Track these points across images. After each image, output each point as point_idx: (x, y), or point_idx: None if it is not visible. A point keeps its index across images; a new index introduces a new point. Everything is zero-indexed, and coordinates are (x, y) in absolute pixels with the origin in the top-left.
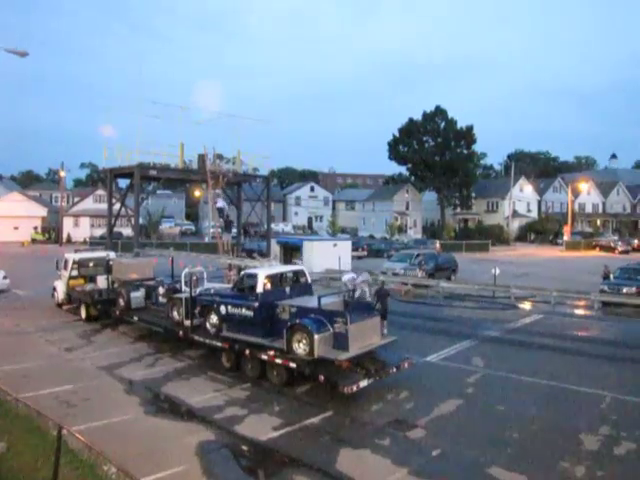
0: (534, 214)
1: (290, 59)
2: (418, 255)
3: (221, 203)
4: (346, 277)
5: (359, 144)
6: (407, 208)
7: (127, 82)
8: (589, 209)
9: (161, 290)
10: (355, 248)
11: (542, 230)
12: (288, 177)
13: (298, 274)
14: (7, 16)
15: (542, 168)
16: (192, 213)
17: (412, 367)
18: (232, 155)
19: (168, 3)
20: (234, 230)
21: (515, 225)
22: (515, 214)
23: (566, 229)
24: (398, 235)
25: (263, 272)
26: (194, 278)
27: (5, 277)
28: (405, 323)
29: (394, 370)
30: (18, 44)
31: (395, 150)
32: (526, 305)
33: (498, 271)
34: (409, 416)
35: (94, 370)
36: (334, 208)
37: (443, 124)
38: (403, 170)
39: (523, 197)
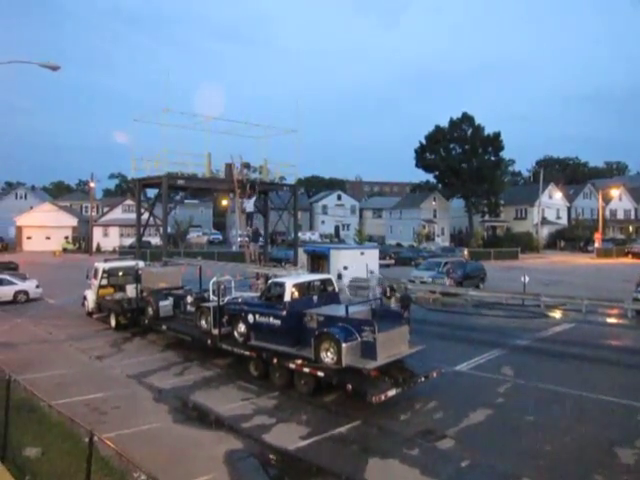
0: (564, 221)
1: (312, 69)
2: (446, 263)
3: (250, 206)
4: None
5: (385, 152)
6: (434, 216)
7: (155, 94)
8: (621, 215)
9: (189, 299)
10: (382, 256)
11: (572, 237)
12: (315, 186)
13: (325, 283)
14: (38, 30)
15: (571, 174)
16: (219, 222)
17: (441, 376)
18: (258, 164)
19: (195, 14)
20: (261, 239)
21: (544, 232)
22: (544, 221)
23: (597, 236)
24: (426, 243)
25: (290, 281)
26: (222, 287)
27: (38, 286)
28: (433, 332)
29: (422, 379)
30: (48, 58)
31: (422, 157)
32: (556, 313)
33: (527, 279)
34: (438, 426)
35: (124, 378)
36: (361, 216)
37: (470, 131)
38: (430, 178)
39: (552, 204)
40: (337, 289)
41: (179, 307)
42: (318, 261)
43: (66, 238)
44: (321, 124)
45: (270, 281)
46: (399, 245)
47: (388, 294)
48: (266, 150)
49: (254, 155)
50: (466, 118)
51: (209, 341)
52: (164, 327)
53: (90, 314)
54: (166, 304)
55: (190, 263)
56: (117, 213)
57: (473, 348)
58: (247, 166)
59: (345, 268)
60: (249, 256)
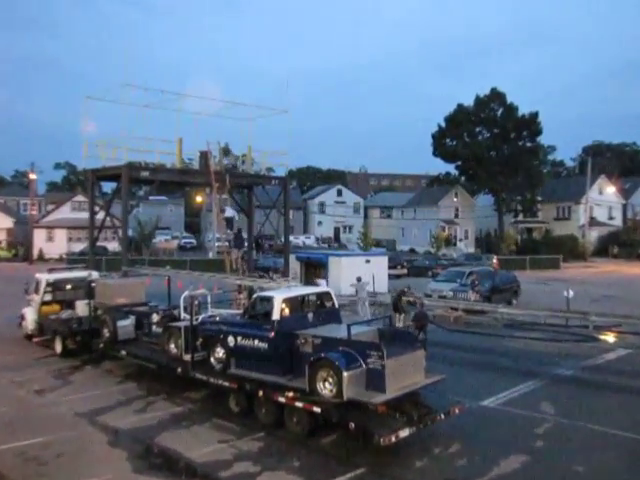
0: (617, 222)
1: (311, 40)
2: (470, 273)
3: (230, 212)
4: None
5: (396, 138)
6: (456, 216)
7: (113, 66)
8: None
9: (155, 317)
10: (393, 265)
11: (628, 242)
12: (310, 179)
13: (323, 297)
14: None
15: (628, 164)
16: (193, 223)
17: (465, 413)
18: (241, 153)
19: None
20: (244, 244)
21: (593, 236)
22: (593, 222)
23: None
24: (445, 249)
25: (280, 295)
26: (195, 303)
27: None
28: (455, 357)
29: (442, 417)
30: None
31: (441, 144)
32: (609, 337)
33: (572, 293)
34: (462, 476)
35: (71, 417)
36: (366, 216)
37: (500, 111)
38: (451, 169)
39: (603, 201)
40: (337, 304)
41: (142, 328)
42: (314, 271)
43: None
44: (319, 106)
45: (255, 295)
46: (413, 251)
47: (400, 305)
48: (251, 136)
49: (236, 142)
50: (495, 95)
51: (179, 369)
52: (123, 353)
53: (29, 337)
54: (126, 324)
55: (156, 273)
56: (64, 212)
57: (504, 378)
58: (226, 152)
59: (359, 280)
60: (229, 265)
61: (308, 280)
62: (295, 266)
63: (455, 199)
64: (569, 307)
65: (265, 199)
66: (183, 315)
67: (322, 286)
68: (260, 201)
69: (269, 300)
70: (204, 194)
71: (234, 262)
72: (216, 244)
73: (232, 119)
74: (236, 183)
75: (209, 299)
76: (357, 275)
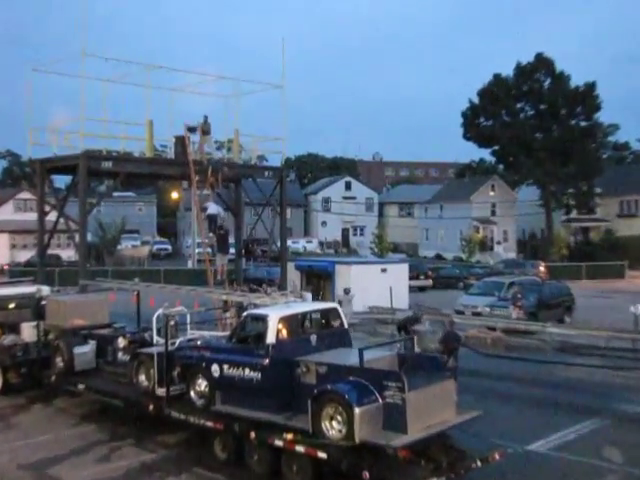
0: None
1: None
2: (512, 285)
3: (214, 208)
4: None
5: (418, 119)
6: (493, 213)
7: (67, 27)
8: None
9: (121, 342)
10: (415, 275)
11: None
12: (312, 169)
13: (329, 315)
14: None
15: None
16: (168, 225)
17: (506, 460)
18: (227, 138)
19: None
20: (232, 250)
21: None
22: None
23: None
24: (480, 254)
25: (276, 313)
26: (172, 323)
27: None
28: (494, 390)
29: (478, 464)
30: None
31: (473, 125)
32: None
33: None
34: None
35: (14, 470)
36: (381, 215)
37: (548, 82)
38: (486, 155)
39: None
40: (346, 324)
41: (105, 355)
42: (317, 282)
43: None
44: (322, 81)
45: (245, 314)
46: (439, 258)
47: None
48: (239, 117)
49: (221, 125)
50: (541, 63)
51: (151, 407)
52: (81, 387)
53: None
54: (85, 351)
55: (122, 288)
56: (6, 212)
57: (556, 416)
58: (205, 131)
59: (346, 292)
60: (213, 276)
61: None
62: (294, 277)
63: (491, 193)
64: (638, 327)
65: (256, 195)
66: (156, 339)
67: (307, 299)
68: (250, 197)
69: (263, 319)
70: (181, 189)
71: (219, 272)
72: (197, 250)
73: (215, 96)
74: (218, 171)
75: (188, 319)
76: (370, 287)
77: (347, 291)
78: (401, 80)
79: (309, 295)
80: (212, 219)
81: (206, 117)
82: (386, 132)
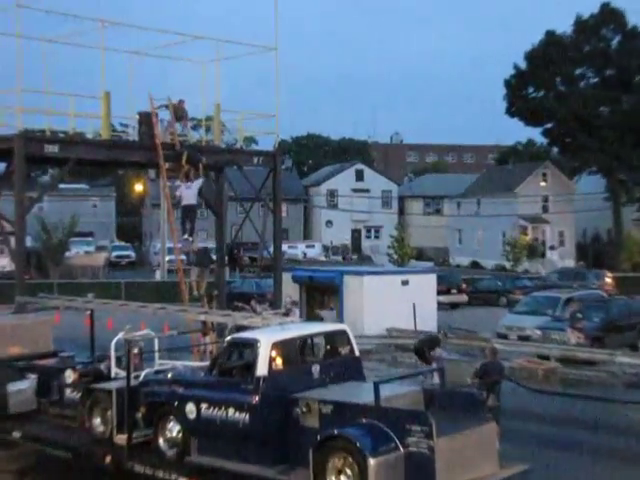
0: None
1: None
2: (570, 301)
3: (189, 196)
4: None
5: (446, 90)
6: (545, 209)
7: None
8: None
9: (69, 376)
10: (445, 288)
11: None
12: (313, 154)
13: (335, 339)
14: None
15: None
16: (130, 226)
17: None
18: (205, 116)
19: None
20: (211, 257)
21: None
22: None
23: None
24: (528, 262)
25: (268, 337)
26: (135, 351)
27: None
28: (546, 435)
29: None
30: None
31: (519, 96)
32: None
33: None
34: None
35: None
36: (402, 212)
37: (617, 39)
38: (536, 135)
39: None
40: (357, 350)
41: (49, 393)
42: (321, 298)
43: None
44: (327, 43)
45: (229, 339)
46: (476, 266)
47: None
48: (220, 88)
49: (198, 99)
50: (608, 15)
51: (108, 458)
52: (17, 434)
53: None
54: (22, 388)
55: (72, 306)
56: None
57: (627, 471)
58: (179, 116)
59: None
60: (187, 290)
61: (312, 312)
62: (291, 291)
63: (543, 183)
64: None
65: (244, 187)
66: (115, 371)
67: (330, 321)
68: (236, 190)
69: (251, 345)
70: (147, 180)
71: (197, 286)
72: (167, 258)
73: (191, 62)
74: (197, 162)
75: (156, 345)
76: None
77: (332, 307)
78: (426, 43)
79: (296, 311)
80: (189, 212)
81: (182, 101)
82: (408, 107)
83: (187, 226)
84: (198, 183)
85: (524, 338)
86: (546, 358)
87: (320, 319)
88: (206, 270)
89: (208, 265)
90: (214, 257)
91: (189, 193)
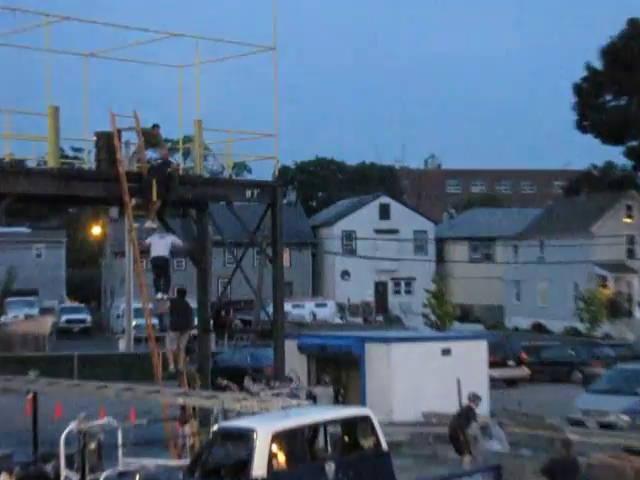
0: None
1: None
2: None
3: (160, 246)
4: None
5: (496, 102)
6: (631, 253)
7: None
8: None
9: None
10: (500, 359)
11: None
12: (324, 185)
13: (356, 428)
14: None
15: None
16: (85, 282)
17: None
18: (181, 136)
19: None
20: (192, 320)
21: None
22: None
23: None
24: (610, 323)
25: (268, 426)
26: (92, 447)
27: None
28: None
29: None
30: None
31: (593, 105)
32: None
33: None
34: None
35: None
36: (441, 258)
37: None
38: (616, 155)
39: None
40: (385, 443)
41: None
42: (336, 373)
43: None
44: (338, 43)
45: (216, 428)
46: (540, 329)
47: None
48: (205, 102)
49: (173, 115)
50: None
51: None
52: None
53: None
54: None
55: (8, 387)
56: None
57: None
58: (152, 144)
59: (325, 381)
60: (160, 364)
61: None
62: (297, 364)
63: (627, 220)
64: None
65: (233, 229)
66: (65, 473)
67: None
68: (223, 233)
69: (245, 437)
70: (107, 221)
71: (172, 358)
72: (134, 322)
73: (165, 66)
74: (173, 197)
75: (120, 438)
76: (424, 380)
77: (326, 381)
78: (466, 43)
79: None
80: (160, 266)
81: (156, 126)
82: (446, 124)
83: (160, 281)
84: (172, 238)
85: (606, 426)
86: (637, 453)
87: (312, 398)
88: (185, 335)
89: (188, 328)
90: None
91: (161, 244)
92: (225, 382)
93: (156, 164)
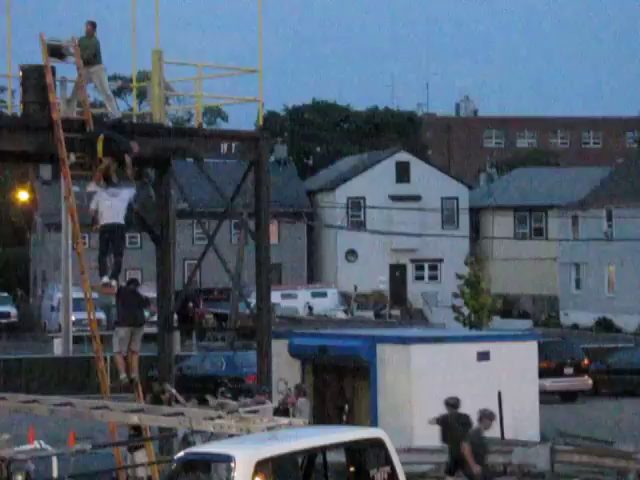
0: None
1: None
2: None
3: (113, 208)
4: None
5: (548, 31)
6: None
7: None
8: None
9: None
10: (554, 365)
11: None
12: (324, 137)
13: (364, 455)
14: None
15: None
16: (8, 263)
17: None
18: (140, 70)
19: None
20: (148, 312)
21: None
22: None
23: None
24: None
25: (249, 452)
26: (18, 479)
27: None
28: None
29: None
30: None
31: None
32: None
33: None
34: None
35: None
36: (478, 234)
37: None
38: None
39: None
40: (403, 476)
41: None
42: (337, 383)
43: None
44: None
45: (182, 454)
46: (607, 326)
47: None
48: (168, 27)
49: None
50: None
51: None
52: None
53: None
54: None
55: None
56: None
57: None
58: (88, 58)
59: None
60: (106, 372)
61: (322, 408)
62: (288, 372)
63: None
64: None
65: (204, 194)
66: None
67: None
68: (192, 201)
69: (220, 467)
70: (35, 184)
71: (122, 364)
72: (73, 317)
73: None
74: (123, 152)
75: (55, 468)
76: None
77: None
78: None
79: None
80: (114, 236)
81: (92, 23)
82: (483, 58)
83: (109, 262)
84: (128, 192)
85: None
86: None
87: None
88: (138, 333)
89: (141, 323)
90: (153, 310)
91: (113, 206)
92: (169, 389)
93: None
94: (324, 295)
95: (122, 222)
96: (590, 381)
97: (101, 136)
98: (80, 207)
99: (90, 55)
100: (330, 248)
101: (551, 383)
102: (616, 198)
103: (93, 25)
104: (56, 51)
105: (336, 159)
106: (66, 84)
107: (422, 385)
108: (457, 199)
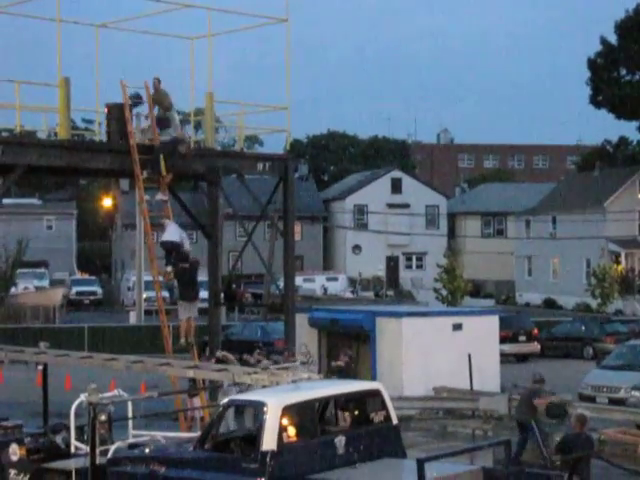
0: None
1: None
2: None
3: (172, 232)
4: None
5: (510, 77)
6: None
7: None
8: None
9: (14, 452)
10: (511, 334)
11: None
12: (336, 159)
13: (366, 403)
14: None
15: None
16: (95, 254)
17: None
18: (194, 107)
19: None
20: (203, 293)
21: None
22: None
23: None
24: (622, 299)
25: (278, 399)
26: (102, 418)
27: None
28: None
29: None
30: None
31: (607, 81)
32: None
33: None
34: None
35: None
36: (453, 233)
37: None
38: (630, 131)
39: None
40: (395, 417)
41: None
42: (346, 346)
43: None
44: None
45: (226, 401)
46: (552, 305)
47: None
48: (217, 75)
49: (184, 88)
50: None
51: None
52: None
53: None
54: None
55: (18, 359)
56: None
57: None
58: (159, 103)
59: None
60: (170, 337)
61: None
62: (307, 338)
63: None
64: None
65: (244, 202)
66: (75, 445)
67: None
68: (235, 206)
69: (256, 410)
70: (118, 193)
71: (183, 332)
72: (145, 295)
73: (175, 37)
74: (184, 170)
75: (130, 410)
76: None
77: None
78: (480, 17)
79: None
80: (170, 250)
81: (158, 79)
82: (459, 98)
83: (169, 261)
84: (183, 234)
85: (617, 401)
86: None
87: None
88: (193, 307)
89: (196, 296)
90: (205, 293)
91: (172, 229)
92: (222, 354)
93: (166, 140)
94: (336, 280)
95: (177, 240)
96: (538, 346)
97: (160, 154)
98: (150, 210)
99: (168, 104)
100: (340, 244)
101: (508, 347)
102: (559, 207)
103: (159, 80)
104: (136, 98)
105: (345, 175)
106: (140, 118)
107: (410, 348)
108: (438, 207)
